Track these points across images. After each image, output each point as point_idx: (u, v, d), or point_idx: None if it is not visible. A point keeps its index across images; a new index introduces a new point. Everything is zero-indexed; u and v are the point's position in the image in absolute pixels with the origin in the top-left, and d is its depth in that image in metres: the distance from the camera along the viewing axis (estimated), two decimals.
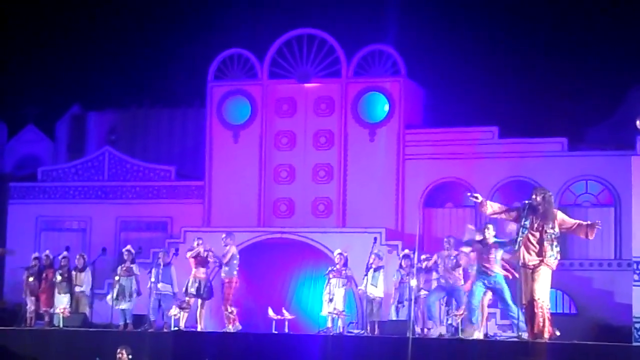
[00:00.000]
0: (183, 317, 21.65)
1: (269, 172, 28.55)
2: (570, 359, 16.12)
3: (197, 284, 21.93)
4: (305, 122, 28.51)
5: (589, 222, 16.91)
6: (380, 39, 28.28)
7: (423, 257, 21.28)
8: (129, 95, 32.75)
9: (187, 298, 21.83)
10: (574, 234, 16.93)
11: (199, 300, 22.01)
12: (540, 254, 16.52)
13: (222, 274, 21.92)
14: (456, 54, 30.69)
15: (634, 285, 24.07)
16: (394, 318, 21.14)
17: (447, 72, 30.27)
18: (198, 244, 22.16)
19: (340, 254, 21.97)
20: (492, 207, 17.28)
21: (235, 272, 21.84)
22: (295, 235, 26.55)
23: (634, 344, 22.90)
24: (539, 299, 16.46)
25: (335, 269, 21.86)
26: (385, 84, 27.99)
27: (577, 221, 16.95)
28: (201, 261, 22.00)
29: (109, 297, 23.15)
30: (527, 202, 16.75)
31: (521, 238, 16.66)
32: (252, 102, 28.92)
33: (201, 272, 22.03)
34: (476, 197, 17.33)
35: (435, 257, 20.70)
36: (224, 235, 22.07)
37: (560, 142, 26.65)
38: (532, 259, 16.55)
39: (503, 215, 17.47)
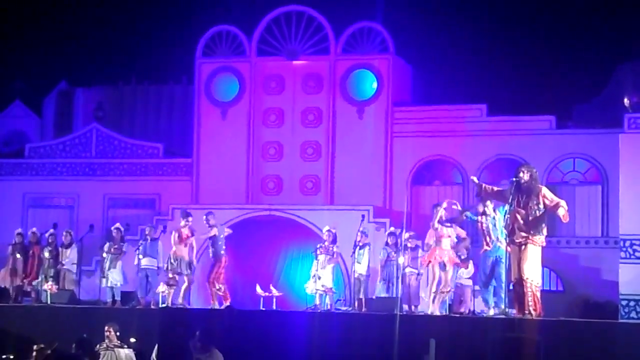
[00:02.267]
0: (170, 294, 21.65)
1: (257, 149, 28.52)
2: (557, 335, 16.16)
3: (177, 262, 21.82)
4: (293, 100, 28.46)
5: (561, 206, 16.74)
6: (368, 16, 28.22)
7: (406, 235, 21.20)
8: (116, 71, 32.62)
9: (170, 275, 21.77)
10: (552, 211, 16.90)
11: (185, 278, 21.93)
12: (528, 231, 16.53)
13: (210, 254, 21.84)
14: (444, 31, 30.66)
15: (621, 263, 24.19)
16: (381, 295, 21.19)
17: (435, 49, 30.24)
18: (187, 222, 22.03)
19: (329, 230, 22.01)
20: (486, 190, 17.29)
21: (222, 252, 21.78)
22: (283, 213, 26.54)
23: (621, 320, 23.01)
24: (527, 278, 16.49)
25: (323, 245, 21.88)
26: (373, 62, 27.94)
27: (556, 200, 16.87)
28: (183, 239, 21.87)
29: (98, 275, 23.12)
30: (514, 179, 16.76)
31: (508, 216, 16.68)
32: (240, 79, 28.85)
33: (181, 250, 21.84)
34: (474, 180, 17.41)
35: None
36: (204, 216, 21.91)
37: (548, 120, 26.69)
38: (519, 237, 16.57)
39: (496, 198, 17.48)
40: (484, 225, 18.77)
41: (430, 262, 19.60)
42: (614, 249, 24.79)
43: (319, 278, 21.42)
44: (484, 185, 17.71)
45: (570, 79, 29.04)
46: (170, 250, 22.00)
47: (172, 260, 21.82)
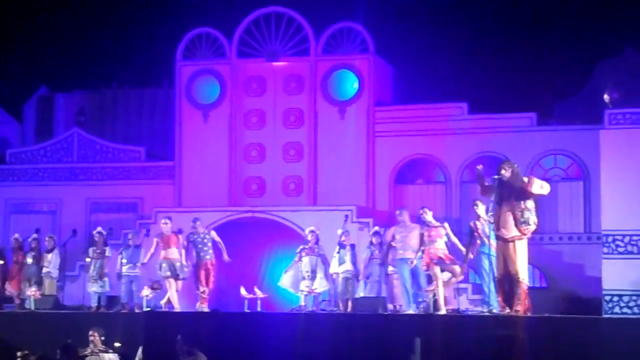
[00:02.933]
0: (154, 297, 21.61)
1: (239, 151, 28.50)
2: (541, 331, 16.21)
3: (168, 265, 21.73)
4: (274, 101, 28.46)
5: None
6: (348, 17, 28.24)
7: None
8: (97, 76, 32.58)
9: (164, 279, 21.69)
10: (536, 192, 16.86)
11: (172, 281, 21.81)
12: (515, 226, 16.55)
13: (208, 256, 21.74)
14: (424, 30, 30.72)
15: (604, 258, 24.28)
16: (363, 294, 21.19)
17: (415, 49, 30.31)
18: (165, 224, 21.92)
19: (312, 231, 21.97)
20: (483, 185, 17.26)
21: (207, 256, 21.81)
22: (267, 214, 26.53)
23: (604, 315, 23.10)
24: (517, 273, 16.53)
25: (307, 247, 21.86)
26: (354, 62, 27.97)
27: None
28: (168, 242, 21.78)
29: (83, 280, 23.04)
30: (496, 177, 16.78)
31: (492, 213, 16.70)
32: (221, 82, 28.83)
33: (170, 253, 21.75)
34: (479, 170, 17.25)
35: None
36: (192, 224, 21.78)
37: (529, 117, 26.77)
38: (505, 233, 16.60)
39: (484, 193, 17.42)
40: (480, 229, 18.67)
41: (428, 263, 19.43)
42: (596, 245, 24.88)
43: (307, 279, 21.38)
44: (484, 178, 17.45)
45: (551, 76, 29.16)
46: (159, 256, 21.85)
47: (164, 265, 21.67)
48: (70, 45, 34.22)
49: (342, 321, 18.34)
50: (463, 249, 18.97)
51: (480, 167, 17.36)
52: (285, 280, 22.12)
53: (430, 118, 27.21)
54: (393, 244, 20.17)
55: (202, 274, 21.55)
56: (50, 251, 23.47)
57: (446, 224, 19.50)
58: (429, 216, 19.21)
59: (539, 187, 16.62)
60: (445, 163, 27.03)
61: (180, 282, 21.92)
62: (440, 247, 19.05)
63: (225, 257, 21.97)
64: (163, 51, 30.06)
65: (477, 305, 21.96)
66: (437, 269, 18.91)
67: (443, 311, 18.66)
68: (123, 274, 22.35)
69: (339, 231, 21.61)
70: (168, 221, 21.85)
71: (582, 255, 25.59)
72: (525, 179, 16.69)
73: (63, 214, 29.13)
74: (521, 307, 16.53)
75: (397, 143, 27.33)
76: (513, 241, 16.54)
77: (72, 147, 29.71)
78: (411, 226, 20.03)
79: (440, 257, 18.83)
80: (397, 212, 20.52)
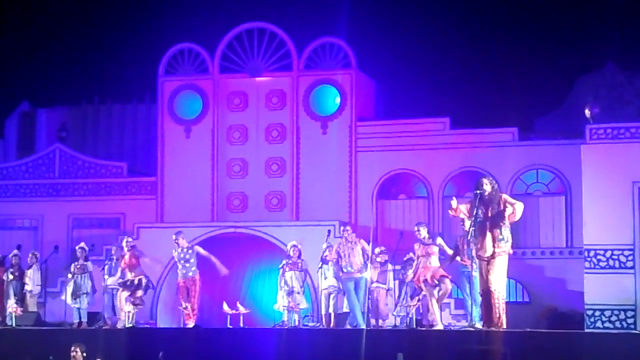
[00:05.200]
0: (136, 313, 21.53)
1: (222, 166, 28.49)
2: (524, 347, 16.23)
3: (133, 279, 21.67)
4: (257, 116, 28.48)
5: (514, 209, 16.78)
6: (330, 32, 28.30)
7: (377, 250, 21.29)
8: (79, 91, 32.50)
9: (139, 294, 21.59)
10: (511, 218, 16.91)
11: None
12: (494, 243, 16.58)
13: (190, 273, 21.42)
14: (406, 45, 30.80)
15: (586, 273, 24.33)
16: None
17: (397, 64, 30.38)
18: (127, 242, 21.80)
19: (294, 246, 21.95)
20: (460, 210, 17.20)
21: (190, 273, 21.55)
22: (249, 230, 26.51)
23: (587, 330, 23.15)
24: (495, 289, 16.54)
25: (289, 261, 21.83)
26: (336, 77, 28.03)
27: (513, 201, 16.88)
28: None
29: (63, 296, 22.94)
30: (478, 192, 16.80)
31: (473, 229, 16.71)
32: (203, 97, 28.84)
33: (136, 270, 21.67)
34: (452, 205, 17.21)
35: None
36: (175, 237, 21.58)
37: (511, 132, 26.86)
38: (486, 250, 16.61)
39: (465, 216, 17.33)
40: (464, 244, 18.71)
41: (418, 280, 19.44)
42: (578, 260, 24.94)
43: (289, 294, 21.33)
44: (460, 206, 17.28)
45: (532, 90, 29.25)
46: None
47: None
48: (52, 60, 34.13)
49: (325, 337, 18.34)
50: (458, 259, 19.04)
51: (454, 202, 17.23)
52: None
53: (412, 133, 27.26)
54: (341, 262, 20.19)
55: (184, 290, 21.32)
56: (31, 267, 23.38)
57: (439, 239, 19.49)
58: (423, 233, 19.18)
59: (513, 212, 16.61)
60: (427, 178, 27.09)
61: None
62: (432, 265, 19.00)
63: (223, 270, 21.57)
64: (145, 66, 30.04)
65: (459, 320, 22.01)
66: (427, 287, 18.94)
67: (440, 326, 18.67)
68: (107, 287, 22.28)
69: (324, 246, 21.59)
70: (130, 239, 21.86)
71: (564, 270, 25.64)
72: (509, 206, 16.62)
73: (45, 230, 29.03)
74: (492, 321, 16.52)
75: (380, 158, 27.37)
76: (493, 258, 16.56)
77: (53, 163, 29.64)
78: (354, 242, 20.13)
79: (426, 279, 18.85)
80: (342, 228, 20.62)
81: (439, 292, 18.92)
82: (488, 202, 16.70)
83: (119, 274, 21.81)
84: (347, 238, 20.28)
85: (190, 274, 21.17)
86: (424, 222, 20.51)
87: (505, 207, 16.60)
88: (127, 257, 21.54)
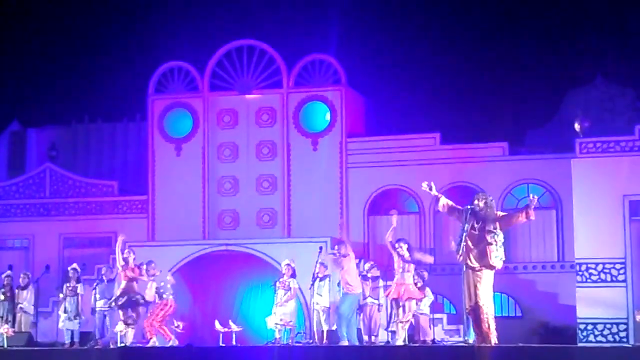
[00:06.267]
0: (129, 333, 21.47)
1: (213, 184, 28.48)
2: None
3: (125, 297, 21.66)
4: (247, 134, 28.49)
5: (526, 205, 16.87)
6: (320, 49, 28.36)
7: (367, 265, 21.32)
8: (68, 110, 32.46)
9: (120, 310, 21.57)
10: (517, 223, 16.95)
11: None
12: (483, 257, 16.58)
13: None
14: (396, 61, 30.88)
15: (577, 287, 24.35)
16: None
17: (387, 79, 30.43)
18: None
19: (288, 264, 21.92)
20: (444, 203, 17.25)
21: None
22: (241, 247, 26.47)
23: (579, 344, 23.15)
24: (483, 304, 16.53)
25: (282, 280, 21.80)
26: (326, 93, 28.06)
27: (514, 210, 16.97)
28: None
29: (60, 319, 22.82)
30: (469, 207, 16.83)
31: (464, 243, 16.70)
32: (193, 115, 28.85)
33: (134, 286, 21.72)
34: (431, 189, 17.37)
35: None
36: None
37: (501, 146, 26.91)
38: (474, 263, 16.61)
39: (450, 214, 17.46)
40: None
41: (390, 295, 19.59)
42: (570, 273, 24.96)
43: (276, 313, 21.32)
44: (442, 197, 17.46)
45: (522, 105, 29.33)
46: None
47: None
48: (42, 79, 34.13)
49: (318, 354, 18.29)
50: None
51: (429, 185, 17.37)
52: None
53: (402, 149, 27.30)
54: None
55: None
56: (24, 288, 23.33)
57: (402, 244, 19.49)
58: (403, 250, 19.28)
59: (526, 214, 16.68)
60: (418, 193, 27.05)
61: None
62: (407, 282, 19.17)
63: None
64: (135, 85, 30.05)
65: (452, 336, 22.01)
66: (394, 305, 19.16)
67: (399, 342, 18.75)
68: (97, 309, 22.24)
69: (318, 264, 21.55)
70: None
71: (556, 284, 25.66)
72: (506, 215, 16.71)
73: (36, 250, 28.96)
74: (482, 336, 16.51)
75: (370, 174, 27.39)
76: (481, 270, 16.57)
77: (44, 182, 29.60)
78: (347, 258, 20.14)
79: (395, 298, 19.06)
80: (336, 247, 20.60)
81: (403, 313, 19.12)
82: (480, 217, 16.71)
83: (117, 290, 21.65)
84: (344, 254, 20.29)
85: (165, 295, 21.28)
86: (405, 238, 20.47)
87: (501, 223, 16.60)
88: (130, 271, 21.49)
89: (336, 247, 20.47)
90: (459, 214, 17.02)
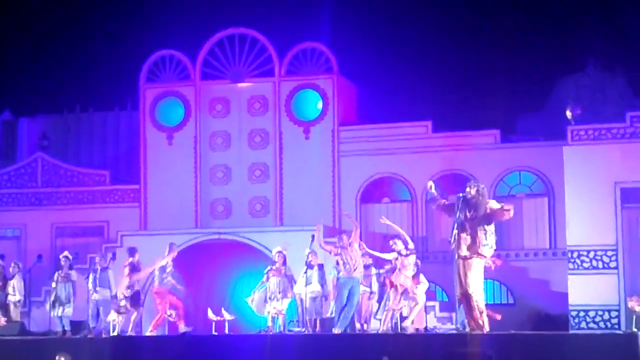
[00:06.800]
0: (121, 322, 21.47)
1: (205, 173, 28.46)
2: (509, 348, 16.27)
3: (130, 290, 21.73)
4: (239, 122, 28.46)
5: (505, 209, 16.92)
6: (312, 37, 28.33)
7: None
8: (60, 99, 32.40)
9: (122, 303, 21.59)
10: (500, 219, 17.00)
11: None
12: (474, 246, 16.62)
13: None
14: (387, 49, 30.90)
15: (569, 274, 24.40)
16: (334, 314, 21.16)
17: (379, 68, 30.45)
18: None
19: (280, 252, 21.92)
20: (439, 203, 17.27)
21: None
22: (233, 236, 26.47)
23: (571, 331, 23.21)
24: (473, 292, 16.58)
25: (274, 267, 21.81)
26: (318, 82, 28.04)
27: (499, 206, 16.97)
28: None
29: (47, 305, 22.85)
30: (460, 195, 16.86)
31: (456, 231, 16.74)
32: (185, 104, 28.81)
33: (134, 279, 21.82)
34: (431, 187, 17.38)
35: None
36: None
37: (493, 134, 26.92)
38: (464, 251, 16.65)
39: (444, 211, 17.51)
40: None
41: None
42: (562, 261, 25.01)
43: (272, 300, 21.32)
44: (439, 196, 17.53)
45: (513, 92, 29.36)
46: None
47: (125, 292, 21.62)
48: (33, 69, 34.08)
49: (310, 342, 18.34)
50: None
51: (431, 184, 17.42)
52: (255, 300, 21.89)
53: (394, 137, 27.30)
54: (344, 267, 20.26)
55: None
56: (12, 277, 23.30)
57: (397, 240, 19.56)
58: (399, 246, 19.35)
59: (507, 210, 16.71)
60: (410, 181, 27.13)
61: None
62: (409, 276, 19.20)
63: None
64: (126, 74, 30.02)
65: (444, 323, 22.05)
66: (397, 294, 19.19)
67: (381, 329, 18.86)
68: (90, 298, 22.22)
69: (307, 251, 21.58)
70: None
71: (548, 271, 25.71)
72: (491, 207, 16.72)
73: (28, 239, 28.93)
74: (473, 323, 16.56)
75: (362, 162, 27.39)
76: (471, 258, 16.60)
77: (35, 172, 29.55)
78: (348, 245, 20.18)
79: (406, 289, 19.07)
80: (337, 236, 20.65)
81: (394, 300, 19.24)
82: (472, 205, 16.74)
83: (125, 283, 21.74)
84: (342, 245, 20.30)
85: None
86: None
87: (491, 212, 16.64)
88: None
89: (338, 237, 20.49)
90: (450, 208, 17.06)
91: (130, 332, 21.37)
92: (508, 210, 16.70)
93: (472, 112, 28.53)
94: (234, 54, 28.62)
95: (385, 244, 21.13)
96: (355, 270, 19.63)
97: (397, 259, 19.47)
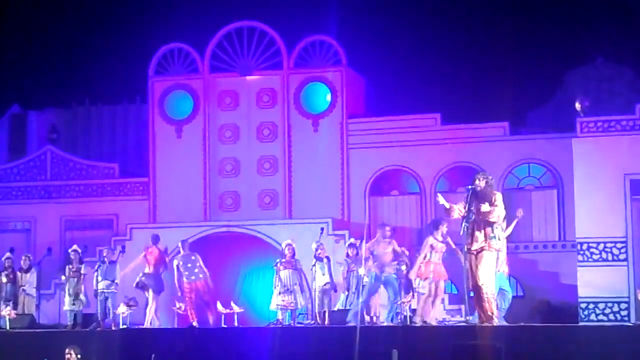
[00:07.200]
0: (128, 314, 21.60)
1: (214, 166, 28.48)
2: (518, 341, 16.28)
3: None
4: (248, 115, 28.47)
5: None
6: (320, 29, 28.29)
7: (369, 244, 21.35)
8: (68, 92, 32.42)
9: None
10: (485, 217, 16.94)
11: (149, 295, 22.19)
12: (484, 238, 16.61)
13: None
14: (396, 41, 30.80)
15: (579, 266, 24.38)
16: (343, 307, 21.21)
17: (387, 60, 30.37)
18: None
19: (289, 244, 21.97)
20: (458, 210, 17.16)
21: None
22: (242, 229, 26.51)
23: (581, 323, 23.20)
24: (483, 284, 16.57)
25: (284, 260, 21.85)
26: (326, 74, 28.02)
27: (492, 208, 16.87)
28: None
29: (63, 298, 23.00)
30: (470, 187, 16.84)
31: (466, 224, 16.72)
32: (194, 97, 28.82)
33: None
34: (444, 204, 17.25)
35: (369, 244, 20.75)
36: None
37: (502, 126, 26.87)
38: (476, 244, 16.64)
39: (460, 211, 17.35)
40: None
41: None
42: (571, 253, 24.97)
43: (287, 292, 21.38)
44: (452, 206, 17.30)
45: (523, 85, 29.26)
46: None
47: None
48: (42, 62, 34.07)
49: (320, 334, 18.37)
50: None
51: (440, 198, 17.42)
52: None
53: (403, 129, 27.27)
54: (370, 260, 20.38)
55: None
56: (27, 270, 23.40)
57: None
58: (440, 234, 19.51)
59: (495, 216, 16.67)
60: (419, 174, 27.10)
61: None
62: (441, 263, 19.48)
63: None
64: (135, 67, 29.99)
65: (454, 316, 22.05)
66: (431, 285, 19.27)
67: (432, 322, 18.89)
68: (99, 291, 22.31)
69: (314, 245, 21.63)
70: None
71: (557, 263, 25.68)
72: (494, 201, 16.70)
73: (37, 232, 28.98)
74: (483, 315, 16.56)
75: (371, 155, 27.37)
76: (482, 251, 16.59)
77: (45, 165, 29.60)
78: (388, 242, 20.24)
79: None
80: (382, 228, 20.72)
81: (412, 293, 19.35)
82: (481, 197, 16.73)
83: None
84: (384, 236, 20.40)
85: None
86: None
87: (494, 204, 16.63)
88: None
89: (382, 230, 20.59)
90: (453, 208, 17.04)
91: (147, 324, 21.54)
92: (488, 212, 16.54)
93: (481, 104, 28.46)
94: (243, 47, 28.61)
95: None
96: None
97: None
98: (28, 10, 34.68)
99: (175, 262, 22.63)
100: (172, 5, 31.77)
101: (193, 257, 22.58)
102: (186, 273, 22.35)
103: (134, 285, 22.62)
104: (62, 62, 33.76)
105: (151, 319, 22.34)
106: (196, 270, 22.39)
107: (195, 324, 21.53)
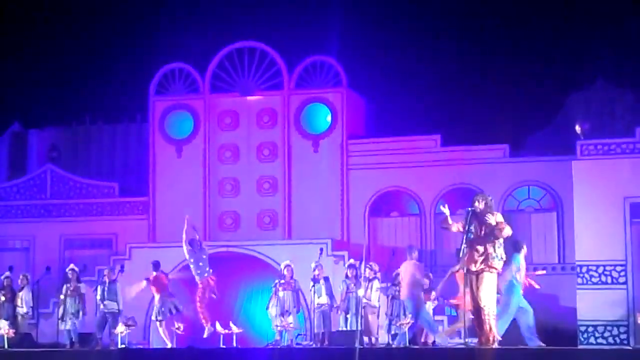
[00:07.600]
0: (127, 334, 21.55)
1: (214, 185, 28.48)
2: None
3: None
4: (248, 135, 28.49)
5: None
6: (321, 50, 28.36)
7: (374, 265, 21.33)
8: (69, 111, 32.46)
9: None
10: (498, 236, 16.91)
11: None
12: (485, 260, 16.57)
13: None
14: (397, 63, 30.85)
15: (578, 289, 24.34)
16: (343, 328, 21.16)
17: (388, 81, 30.42)
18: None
19: (288, 265, 21.96)
20: (457, 226, 17.16)
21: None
22: (242, 249, 26.49)
23: (580, 346, 23.14)
24: (484, 306, 16.53)
25: (283, 281, 21.82)
26: (327, 95, 28.07)
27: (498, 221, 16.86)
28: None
29: (59, 318, 22.94)
30: (469, 209, 16.82)
31: (465, 245, 16.69)
32: (194, 116, 28.86)
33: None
34: (446, 215, 17.22)
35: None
36: None
37: (502, 148, 26.91)
38: (476, 266, 16.61)
39: (458, 229, 17.34)
40: None
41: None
42: (571, 275, 24.95)
43: (284, 314, 21.33)
44: (455, 224, 17.31)
45: (523, 107, 29.30)
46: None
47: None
48: (43, 81, 34.12)
49: (318, 355, 18.29)
50: None
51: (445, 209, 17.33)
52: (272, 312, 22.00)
53: (403, 150, 27.30)
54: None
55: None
56: (21, 289, 23.35)
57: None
58: None
59: (501, 228, 16.64)
60: (419, 195, 27.11)
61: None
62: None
63: None
64: (136, 86, 30.05)
65: (453, 337, 21.98)
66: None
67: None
68: (106, 311, 22.32)
69: (313, 265, 21.61)
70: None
71: (557, 286, 25.60)
72: (496, 220, 16.63)
73: (37, 251, 28.97)
74: (483, 337, 16.51)
75: (371, 176, 27.39)
76: (482, 272, 16.56)
77: (45, 184, 29.61)
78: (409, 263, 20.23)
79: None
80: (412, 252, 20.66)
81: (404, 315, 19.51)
82: (481, 219, 16.70)
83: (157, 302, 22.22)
84: (412, 257, 20.37)
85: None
86: None
87: (496, 224, 16.59)
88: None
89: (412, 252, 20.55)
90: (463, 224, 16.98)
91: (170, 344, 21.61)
92: (501, 229, 16.51)
93: (481, 126, 28.47)
94: (243, 67, 28.68)
95: (393, 258, 21.15)
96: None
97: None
98: (29, 29, 34.77)
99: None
100: (174, 26, 31.86)
101: (204, 256, 22.50)
102: (198, 272, 22.21)
103: (171, 313, 22.51)
104: (63, 80, 33.81)
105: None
106: (207, 268, 22.31)
107: (210, 327, 21.44)
